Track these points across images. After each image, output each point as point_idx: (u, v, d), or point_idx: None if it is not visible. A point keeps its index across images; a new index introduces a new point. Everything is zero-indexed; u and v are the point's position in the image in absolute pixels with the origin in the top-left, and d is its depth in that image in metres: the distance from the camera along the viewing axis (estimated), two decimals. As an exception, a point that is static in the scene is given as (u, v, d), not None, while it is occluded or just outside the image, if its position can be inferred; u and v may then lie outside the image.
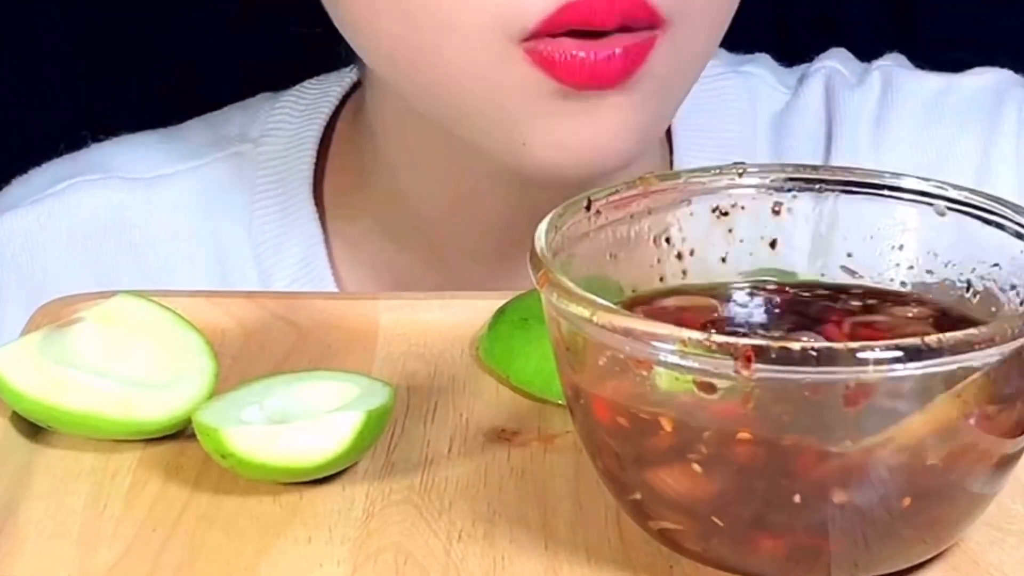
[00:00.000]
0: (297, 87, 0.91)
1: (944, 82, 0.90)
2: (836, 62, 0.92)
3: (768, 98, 0.91)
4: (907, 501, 0.50)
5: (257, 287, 0.86)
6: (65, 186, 0.88)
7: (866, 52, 0.94)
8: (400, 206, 0.85)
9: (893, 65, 0.92)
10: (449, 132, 0.76)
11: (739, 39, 0.81)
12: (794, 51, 0.95)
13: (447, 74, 0.72)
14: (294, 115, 0.89)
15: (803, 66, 0.93)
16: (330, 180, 0.89)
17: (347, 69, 0.90)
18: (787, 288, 0.59)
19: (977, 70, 0.91)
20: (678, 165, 0.86)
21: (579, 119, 0.71)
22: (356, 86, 0.90)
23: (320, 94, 0.90)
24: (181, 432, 0.60)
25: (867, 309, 0.58)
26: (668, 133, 0.87)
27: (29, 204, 0.88)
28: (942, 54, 0.93)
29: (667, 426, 0.50)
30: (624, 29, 0.70)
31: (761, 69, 0.92)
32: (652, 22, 0.70)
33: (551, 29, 0.69)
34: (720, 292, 0.59)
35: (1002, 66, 0.91)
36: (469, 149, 0.76)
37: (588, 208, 0.57)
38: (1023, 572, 0.54)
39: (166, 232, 0.87)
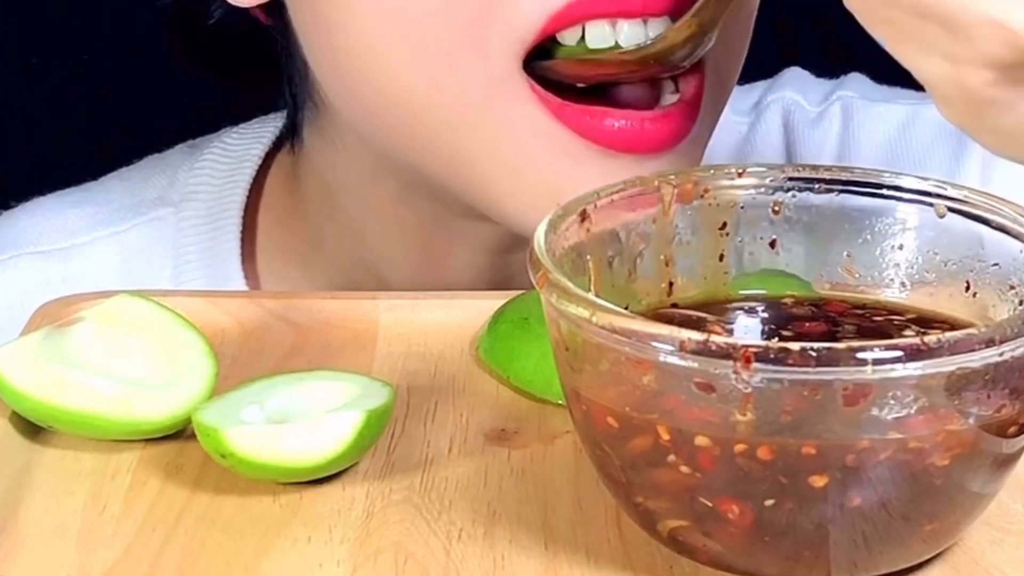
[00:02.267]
0: (217, 142, 0.86)
1: (906, 113, 0.86)
2: (794, 91, 0.88)
3: (723, 130, 0.85)
4: (907, 501, 0.50)
5: None
6: None
7: (864, 52, 0.93)
8: (356, 271, 0.81)
9: (854, 96, 0.88)
10: (427, 188, 0.72)
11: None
12: (793, 51, 0.94)
13: (454, 111, 0.69)
14: (216, 176, 0.84)
15: (759, 87, 0.90)
16: (264, 247, 0.84)
17: (258, 124, 0.85)
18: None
19: None
20: None
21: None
22: (279, 142, 0.85)
23: (243, 150, 0.84)
24: (181, 432, 0.60)
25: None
26: None
27: None
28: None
29: (666, 427, 0.50)
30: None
31: None
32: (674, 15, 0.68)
33: (555, 27, 0.67)
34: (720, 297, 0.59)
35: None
36: (445, 205, 0.73)
37: (586, 210, 0.57)
38: (1023, 572, 0.54)
39: None
